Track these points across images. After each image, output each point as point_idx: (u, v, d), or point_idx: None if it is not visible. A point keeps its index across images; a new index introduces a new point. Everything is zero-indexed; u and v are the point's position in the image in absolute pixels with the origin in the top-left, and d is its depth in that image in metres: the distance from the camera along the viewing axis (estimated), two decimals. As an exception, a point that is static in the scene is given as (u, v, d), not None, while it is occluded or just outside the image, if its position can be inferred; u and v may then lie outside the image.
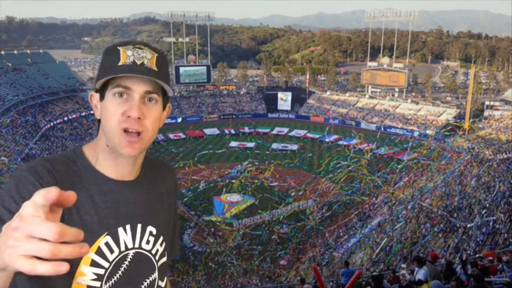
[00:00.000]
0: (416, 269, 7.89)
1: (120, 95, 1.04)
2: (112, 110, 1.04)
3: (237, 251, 21.79)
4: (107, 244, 1.05)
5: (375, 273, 9.51)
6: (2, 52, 58.91)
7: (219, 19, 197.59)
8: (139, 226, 1.13)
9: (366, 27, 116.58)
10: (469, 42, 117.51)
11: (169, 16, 65.41)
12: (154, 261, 1.16)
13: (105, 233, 1.05)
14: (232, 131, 50.53)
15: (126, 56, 1.03)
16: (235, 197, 28.87)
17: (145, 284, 1.14)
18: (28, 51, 64.87)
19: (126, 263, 1.09)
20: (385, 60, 63.03)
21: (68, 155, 1.10)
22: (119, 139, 1.04)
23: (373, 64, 64.24)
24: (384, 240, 18.59)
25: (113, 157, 1.09)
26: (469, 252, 13.88)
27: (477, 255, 10.97)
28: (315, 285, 9.42)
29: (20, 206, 0.68)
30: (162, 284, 1.21)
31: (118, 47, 1.05)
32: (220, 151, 38.18)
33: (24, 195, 0.90)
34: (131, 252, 1.10)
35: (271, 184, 30.10)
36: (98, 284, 1.02)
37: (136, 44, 1.07)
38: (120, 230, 1.09)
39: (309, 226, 22.90)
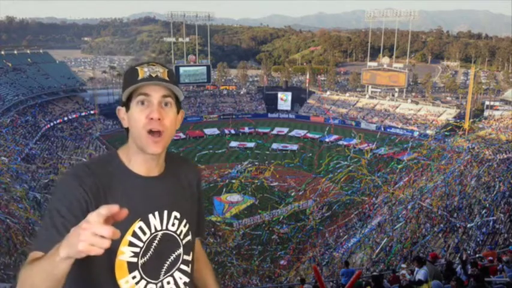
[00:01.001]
0: (416, 269, 7.89)
1: (142, 103, 1.29)
2: (137, 116, 1.29)
3: (237, 251, 21.77)
4: (140, 228, 1.31)
5: (375, 273, 9.51)
6: (2, 52, 58.91)
7: (219, 19, 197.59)
8: (165, 212, 1.38)
9: (366, 27, 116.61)
10: (469, 42, 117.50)
11: (169, 16, 65.43)
12: (179, 239, 1.41)
13: (139, 219, 1.31)
14: (232, 131, 50.53)
15: (143, 72, 1.29)
16: (235, 197, 28.88)
17: (172, 257, 1.40)
18: (28, 51, 64.87)
19: (156, 241, 1.35)
20: (385, 60, 63.04)
21: (105, 158, 1.39)
22: (145, 140, 1.29)
23: (373, 64, 64.25)
24: (384, 240, 18.58)
25: (142, 157, 1.34)
26: (469, 252, 13.88)
27: (477, 255, 10.97)
28: (315, 285, 9.42)
29: (69, 209, 1.18)
30: (189, 257, 1.46)
31: (136, 67, 1.31)
32: (220, 151, 38.17)
33: (71, 200, 1.20)
34: (160, 233, 1.36)
35: (271, 184, 30.08)
36: (135, 259, 1.30)
37: (150, 62, 1.34)
38: (151, 216, 1.34)
39: (309, 226, 22.89)
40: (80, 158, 34.64)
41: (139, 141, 1.30)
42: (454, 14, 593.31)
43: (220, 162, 36.38)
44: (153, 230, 1.34)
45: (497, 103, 54.47)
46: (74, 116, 51.15)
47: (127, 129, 1.35)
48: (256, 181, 29.14)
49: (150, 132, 1.28)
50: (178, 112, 1.40)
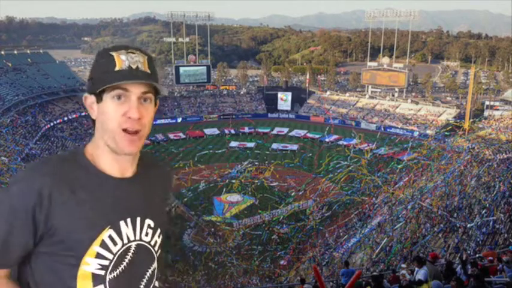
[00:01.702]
0: (416, 269, 7.89)
1: (119, 97, 1.12)
2: (111, 112, 1.12)
3: (237, 251, 21.78)
4: (110, 237, 1.14)
5: (375, 273, 9.51)
6: (2, 52, 58.90)
7: (219, 19, 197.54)
8: (138, 219, 1.21)
9: (366, 27, 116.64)
10: (469, 42, 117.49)
11: (169, 16, 65.41)
12: (154, 252, 1.25)
13: (108, 227, 1.14)
14: (232, 131, 50.53)
15: (121, 60, 1.11)
16: (235, 197, 28.88)
17: (148, 273, 1.24)
18: (28, 51, 64.85)
19: (130, 254, 1.18)
20: (385, 60, 63.03)
21: (69, 155, 1.20)
22: (119, 139, 1.13)
23: (373, 64, 64.24)
24: (384, 240, 18.58)
25: (113, 156, 1.18)
26: (469, 252, 13.88)
27: (477, 255, 10.96)
28: (315, 285, 9.42)
29: (10, 226, 1.08)
30: (159, 274, 1.30)
31: (111, 52, 1.13)
32: (220, 151, 38.17)
33: (16, 214, 1.07)
34: (133, 244, 1.19)
35: (271, 184, 30.08)
36: (102, 272, 1.13)
37: (128, 48, 1.15)
38: (122, 223, 1.17)
39: (309, 226, 22.89)
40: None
41: (111, 140, 1.14)
42: (454, 14, 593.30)
43: (220, 162, 36.38)
44: (125, 240, 1.17)
45: (497, 103, 54.47)
46: (74, 116, 51.16)
47: (93, 121, 1.19)
48: (256, 181, 29.14)
49: (125, 130, 1.13)
50: (155, 105, 1.23)
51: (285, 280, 18.66)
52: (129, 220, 1.19)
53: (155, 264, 1.26)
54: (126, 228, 1.18)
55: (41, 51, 68.03)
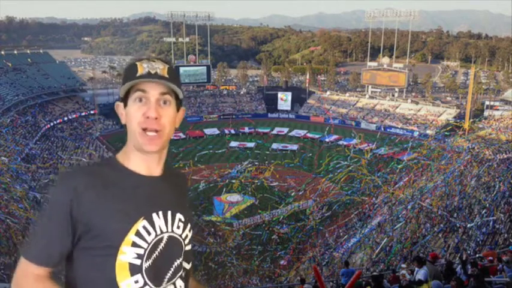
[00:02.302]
0: (416, 269, 7.89)
1: (140, 99, 1.24)
2: (133, 113, 1.24)
3: (237, 251, 21.77)
4: (144, 227, 1.23)
5: (375, 273, 9.51)
6: (2, 52, 58.91)
7: (219, 19, 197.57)
8: (169, 213, 1.30)
9: (366, 27, 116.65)
10: (469, 42, 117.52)
11: (169, 16, 65.42)
12: (183, 244, 1.34)
13: (142, 218, 1.23)
14: (232, 131, 50.53)
15: (142, 68, 1.24)
16: (235, 197, 28.87)
17: (176, 263, 1.31)
18: (28, 51, 64.85)
19: (162, 244, 1.26)
20: (385, 60, 63.03)
21: (103, 160, 1.39)
22: (140, 138, 1.24)
23: (373, 64, 64.25)
24: (384, 240, 18.58)
25: (140, 155, 1.28)
26: (469, 252, 13.88)
27: (477, 255, 10.96)
28: (315, 285, 9.42)
29: (57, 217, 1.19)
30: (188, 266, 1.39)
31: (135, 63, 1.25)
32: (220, 151, 38.16)
33: (58, 209, 1.20)
34: (165, 235, 1.28)
35: (271, 184, 30.07)
36: (138, 261, 1.21)
37: (150, 58, 1.28)
38: (154, 215, 1.26)
39: (309, 226, 22.88)
40: (80, 158, 34.64)
41: (135, 139, 1.25)
42: (454, 14, 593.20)
43: (220, 162, 36.38)
44: (158, 231, 1.26)
45: (497, 103, 54.48)
46: (74, 116, 51.16)
47: (125, 126, 1.30)
48: (256, 181, 29.13)
49: (145, 130, 1.23)
50: (178, 110, 1.33)
51: (285, 280, 18.65)
52: (160, 213, 1.28)
53: (182, 256, 1.34)
54: (158, 220, 1.27)
55: (41, 51, 68.04)
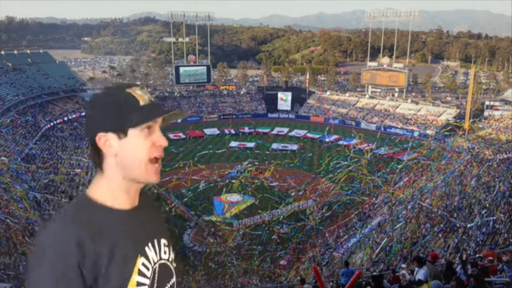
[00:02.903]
0: (416, 269, 7.89)
1: (148, 128, 1.18)
2: (141, 144, 1.17)
3: (237, 251, 21.77)
4: (143, 265, 1.21)
5: (375, 273, 9.50)
6: (2, 52, 58.89)
7: (219, 19, 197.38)
8: (155, 241, 1.29)
9: (366, 27, 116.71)
10: (469, 42, 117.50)
11: (169, 16, 65.42)
12: (172, 267, 1.34)
13: (139, 255, 1.21)
14: (232, 131, 50.53)
15: (142, 97, 1.19)
16: (235, 197, 28.87)
17: (169, 285, 1.31)
18: (28, 51, 64.84)
19: (157, 275, 1.25)
20: (385, 60, 63.04)
21: (80, 205, 1.20)
22: (146, 168, 1.19)
23: (373, 64, 64.25)
24: (384, 240, 18.58)
25: (126, 190, 1.22)
26: (469, 252, 13.87)
27: (477, 255, 10.96)
28: (315, 285, 9.42)
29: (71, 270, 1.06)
30: (176, 279, 1.38)
31: (127, 91, 1.20)
32: (220, 151, 38.16)
33: (63, 269, 1.06)
34: (157, 265, 1.27)
35: (271, 184, 30.08)
36: None
37: (138, 85, 1.24)
38: (147, 249, 1.25)
39: (309, 226, 22.89)
40: (80, 158, 34.64)
41: (138, 170, 1.18)
42: (454, 14, 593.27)
43: (220, 162, 36.38)
44: (152, 264, 1.25)
45: (497, 103, 54.47)
46: (74, 116, 51.16)
47: (99, 162, 1.20)
48: (256, 181, 29.13)
49: (153, 159, 1.19)
50: None
51: (285, 280, 18.65)
52: (150, 244, 1.26)
53: (174, 278, 1.33)
54: (150, 252, 1.25)
55: (41, 51, 68.02)
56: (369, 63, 65.41)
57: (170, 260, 1.33)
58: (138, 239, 1.23)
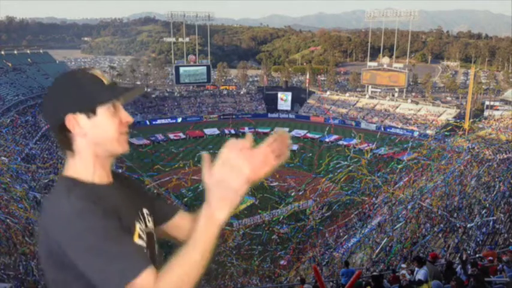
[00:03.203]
0: (416, 269, 7.90)
1: (113, 107, 1.24)
2: (110, 121, 1.23)
3: (237, 251, 21.76)
4: (140, 229, 1.27)
5: (375, 273, 9.50)
6: (2, 52, 58.90)
7: (219, 19, 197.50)
8: (139, 212, 1.34)
9: (366, 27, 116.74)
10: (469, 42, 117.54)
11: (169, 16, 65.42)
12: (155, 234, 1.39)
13: (136, 220, 1.27)
14: (232, 131, 50.53)
15: (104, 77, 1.26)
16: (235, 197, 28.83)
17: (157, 252, 1.38)
18: (28, 51, 64.86)
19: (148, 241, 1.30)
20: (385, 60, 63.04)
21: (72, 186, 1.19)
22: (118, 142, 1.25)
23: (373, 64, 64.25)
24: (384, 240, 18.57)
25: (101, 165, 1.27)
26: (469, 252, 13.87)
27: (477, 255, 10.97)
28: (315, 285, 9.42)
29: (110, 220, 1.09)
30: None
31: (89, 72, 1.25)
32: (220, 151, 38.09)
33: (107, 215, 1.10)
34: (146, 231, 1.32)
35: (271, 184, 30.08)
36: None
37: (94, 68, 1.29)
38: (138, 216, 1.32)
39: (309, 226, 22.89)
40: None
41: (110, 145, 1.24)
42: (454, 14, 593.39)
43: (220, 162, 36.30)
44: (143, 230, 1.31)
45: (497, 103, 54.48)
46: (74, 116, 51.15)
47: (68, 144, 1.23)
48: (256, 181, 29.09)
49: (122, 133, 1.26)
50: None
51: (285, 280, 18.65)
52: (139, 213, 1.33)
53: (157, 246, 1.39)
54: (140, 221, 1.31)
55: (41, 51, 68.04)
56: (369, 63, 65.42)
57: (153, 228, 1.38)
58: (130, 207, 1.28)
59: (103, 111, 1.21)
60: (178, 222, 1.45)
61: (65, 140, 1.22)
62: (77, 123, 1.20)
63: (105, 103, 1.21)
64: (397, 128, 51.38)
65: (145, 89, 70.88)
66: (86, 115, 1.20)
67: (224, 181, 1.05)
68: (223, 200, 1.07)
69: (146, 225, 1.33)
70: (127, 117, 1.27)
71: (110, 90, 1.22)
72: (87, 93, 1.20)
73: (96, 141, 1.22)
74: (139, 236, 1.24)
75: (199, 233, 1.09)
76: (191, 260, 1.07)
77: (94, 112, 1.20)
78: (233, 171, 1.04)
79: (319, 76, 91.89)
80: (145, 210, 1.37)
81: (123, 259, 1.04)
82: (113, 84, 1.26)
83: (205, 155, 1.13)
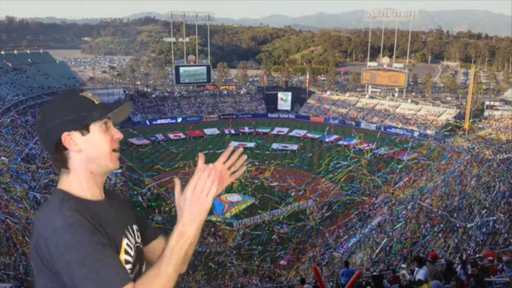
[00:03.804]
0: (416, 269, 7.89)
1: (105, 125, 1.34)
2: (103, 138, 1.33)
3: (237, 251, 21.77)
4: (127, 245, 1.35)
5: (375, 273, 9.51)
6: (2, 52, 58.94)
7: (219, 19, 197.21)
8: (129, 227, 1.43)
9: (366, 27, 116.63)
10: (469, 42, 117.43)
11: (169, 16, 65.41)
12: (144, 249, 1.49)
13: (124, 237, 1.35)
14: (232, 131, 50.52)
15: (94, 97, 1.36)
16: (235, 197, 28.85)
17: (143, 268, 1.45)
18: (28, 51, 64.92)
19: (136, 256, 1.39)
20: (385, 60, 63.02)
21: (64, 202, 1.25)
22: (110, 158, 1.35)
23: (373, 64, 64.25)
24: (384, 240, 18.57)
25: (93, 182, 1.35)
26: (469, 252, 13.87)
27: (477, 255, 10.96)
28: (315, 285, 9.42)
29: (97, 235, 1.18)
30: None
31: (81, 94, 1.36)
32: (220, 151, 37.91)
33: (90, 229, 1.17)
34: (135, 246, 1.42)
35: (271, 184, 30.08)
36: (131, 276, 1.31)
37: (84, 90, 1.44)
38: (127, 232, 1.39)
39: (309, 226, 22.89)
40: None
41: (102, 161, 1.33)
42: (454, 14, 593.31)
43: (220, 162, 36.30)
44: (132, 245, 1.39)
45: (497, 103, 54.49)
46: (74, 116, 51.16)
47: (64, 162, 1.31)
48: (256, 181, 29.13)
49: (114, 150, 1.36)
50: None
51: (285, 280, 18.65)
52: (127, 229, 1.40)
53: (145, 261, 1.47)
54: (129, 236, 1.40)
55: (41, 51, 68.11)
56: (369, 63, 65.42)
57: (141, 244, 1.48)
58: (119, 224, 1.36)
59: (96, 129, 1.32)
60: (155, 247, 1.54)
61: (60, 158, 1.31)
62: (73, 140, 1.30)
63: (97, 120, 1.31)
64: (397, 128, 51.38)
65: (145, 89, 70.92)
66: (80, 133, 1.30)
67: (195, 202, 1.25)
68: (193, 219, 1.24)
69: (136, 241, 1.42)
70: (117, 134, 1.37)
71: (100, 109, 1.33)
72: (80, 113, 1.30)
73: (90, 156, 1.32)
74: (126, 252, 1.33)
75: (172, 249, 1.22)
76: (165, 274, 1.18)
77: (87, 129, 1.31)
78: (203, 193, 1.27)
79: (319, 76, 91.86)
80: (135, 227, 1.46)
81: (104, 273, 1.11)
82: (103, 104, 1.36)
83: (200, 154, 1.35)
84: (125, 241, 1.33)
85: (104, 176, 1.39)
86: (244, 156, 1.34)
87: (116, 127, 1.39)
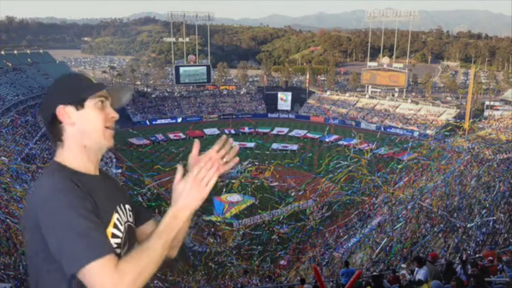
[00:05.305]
0: (416, 269, 7.89)
1: (101, 103, 1.38)
2: (97, 114, 1.37)
3: (237, 251, 21.76)
4: (118, 219, 1.38)
5: (375, 273, 9.50)
6: (2, 52, 58.92)
7: (219, 19, 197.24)
8: (121, 205, 1.45)
9: (366, 27, 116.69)
10: (469, 42, 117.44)
11: (169, 16, 65.40)
12: (135, 229, 1.52)
13: (114, 211, 1.38)
14: (232, 131, 50.52)
15: (90, 77, 1.44)
16: (235, 197, 28.85)
17: (135, 246, 1.43)
18: (28, 51, 64.89)
19: (126, 233, 1.41)
20: (385, 60, 63.02)
21: (60, 172, 1.32)
22: (104, 135, 1.38)
23: (373, 64, 64.25)
24: (384, 240, 18.56)
25: (86, 156, 1.39)
26: (469, 252, 13.86)
27: (477, 255, 10.96)
28: (315, 285, 9.42)
29: (86, 202, 1.21)
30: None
31: (78, 74, 1.47)
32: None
33: (80, 197, 1.21)
34: (126, 224, 1.43)
35: (271, 184, 30.07)
36: (118, 250, 1.32)
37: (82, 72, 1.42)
38: (118, 208, 1.42)
39: (309, 226, 22.88)
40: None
41: (97, 138, 1.37)
42: (454, 14, 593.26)
43: (220, 162, 36.29)
44: (123, 222, 1.41)
45: (497, 103, 54.51)
46: (74, 116, 51.14)
47: (59, 135, 1.36)
48: (256, 181, 29.12)
49: (107, 128, 1.39)
50: None
51: (285, 280, 18.64)
52: (121, 205, 1.44)
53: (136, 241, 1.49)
54: (121, 212, 1.42)
55: (41, 51, 68.09)
56: (369, 63, 65.41)
57: (133, 223, 1.50)
58: (111, 199, 1.39)
59: (90, 105, 1.36)
60: (146, 229, 1.56)
61: (55, 131, 1.36)
62: (66, 113, 1.34)
63: (92, 96, 1.36)
64: (397, 128, 51.38)
65: (145, 89, 70.85)
66: (74, 107, 1.35)
67: (195, 188, 1.29)
68: (188, 205, 1.30)
69: (127, 219, 1.45)
70: (113, 113, 1.41)
71: (96, 86, 1.38)
72: (75, 88, 1.35)
73: (83, 129, 1.35)
74: (115, 226, 1.34)
75: (164, 227, 1.26)
76: (154, 248, 1.22)
77: (82, 105, 1.35)
78: (204, 182, 1.29)
79: (319, 76, 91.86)
80: (127, 206, 1.49)
81: (89, 240, 1.13)
82: (100, 83, 1.42)
83: (196, 141, 1.38)
84: (115, 215, 1.36)
85: (98, 152, 1.42)
86: (237, 147, 1.35)
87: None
